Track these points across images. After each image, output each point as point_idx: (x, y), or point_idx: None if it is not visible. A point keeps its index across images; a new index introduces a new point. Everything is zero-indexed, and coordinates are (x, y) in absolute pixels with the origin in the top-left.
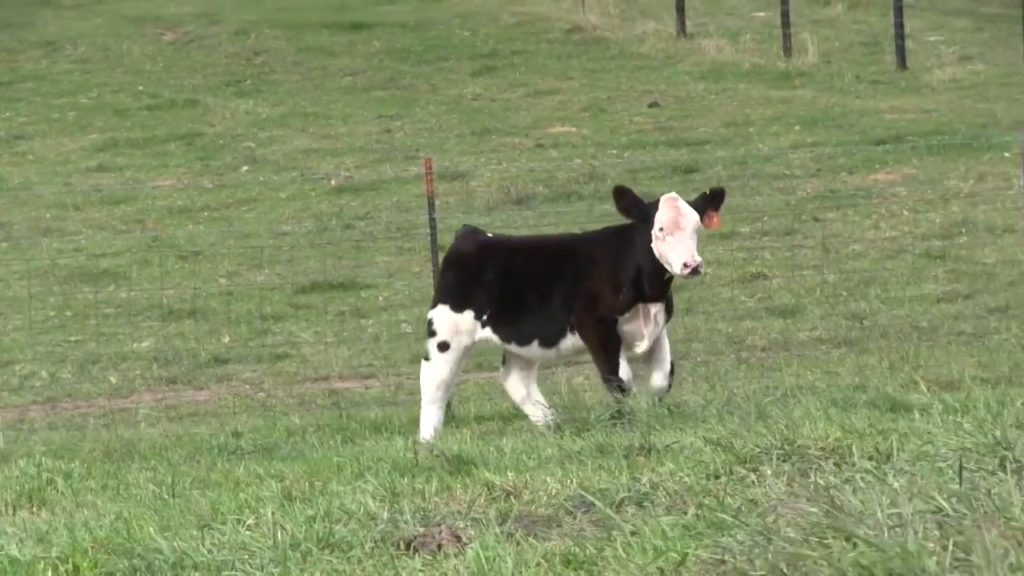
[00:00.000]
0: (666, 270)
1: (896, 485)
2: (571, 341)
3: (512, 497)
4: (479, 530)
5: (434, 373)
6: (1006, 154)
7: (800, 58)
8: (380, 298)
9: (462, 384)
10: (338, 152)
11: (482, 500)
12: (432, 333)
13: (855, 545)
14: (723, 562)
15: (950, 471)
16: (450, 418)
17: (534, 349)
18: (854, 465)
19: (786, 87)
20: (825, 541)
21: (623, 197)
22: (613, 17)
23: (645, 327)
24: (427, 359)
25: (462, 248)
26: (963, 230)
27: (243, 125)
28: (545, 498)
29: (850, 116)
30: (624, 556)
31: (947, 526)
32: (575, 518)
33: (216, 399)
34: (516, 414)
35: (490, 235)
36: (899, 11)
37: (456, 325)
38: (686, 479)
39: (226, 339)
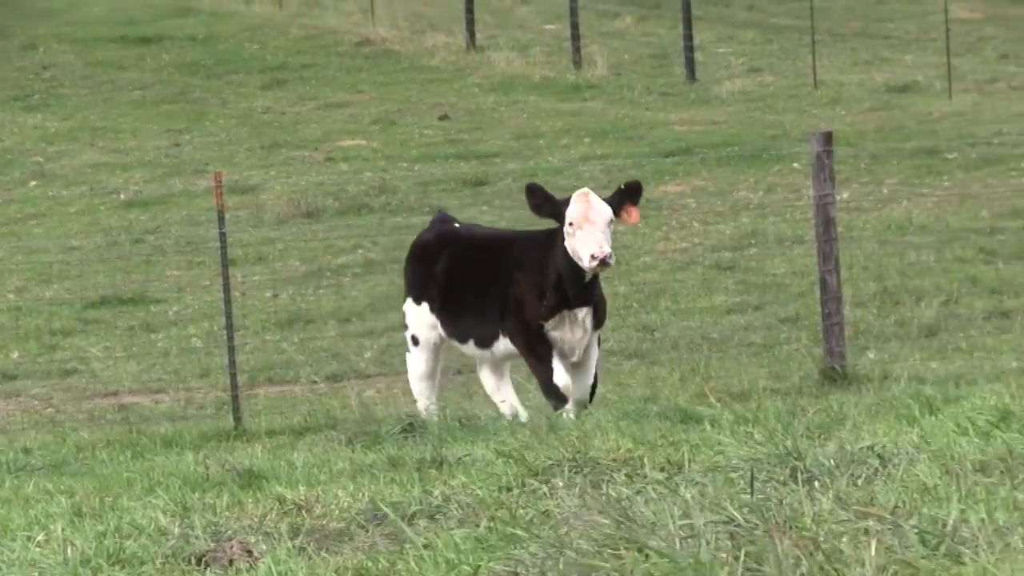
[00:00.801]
0: (583, 271)
1: (688, 496)
2: (504, 344)
3: (304, 511)
4: (271, 544)
5: (412, 366)
6: (795, 165)
7: (590, 71)
8: (170, 312)
9: (252, 398)
10: (127, 166)
11: (273, 514)
12: (405, 327)
13: (647, 556)
14: (516, 574)
15: (741, 482)
16: (241, 432)
17: (471, 348)
18: (646, 476)
19: (576, 99)
20: (617, 552)
21: (534, 195)
22: (402, 30)
23: (573, 334)
24: (408, 352)
25: (423, 238)
26: (753, 241)
27: (31, 140)
28: (337, 512)
29: (640, 128)
30: (417, 569)
31: (739, 536)
32: (367, 532)
33: (5, 415)
34: (308, 426)
35: (457, 224)
36: (688, 23)
37: (420, 318)
38: (478, 492)
39: (15, 355)
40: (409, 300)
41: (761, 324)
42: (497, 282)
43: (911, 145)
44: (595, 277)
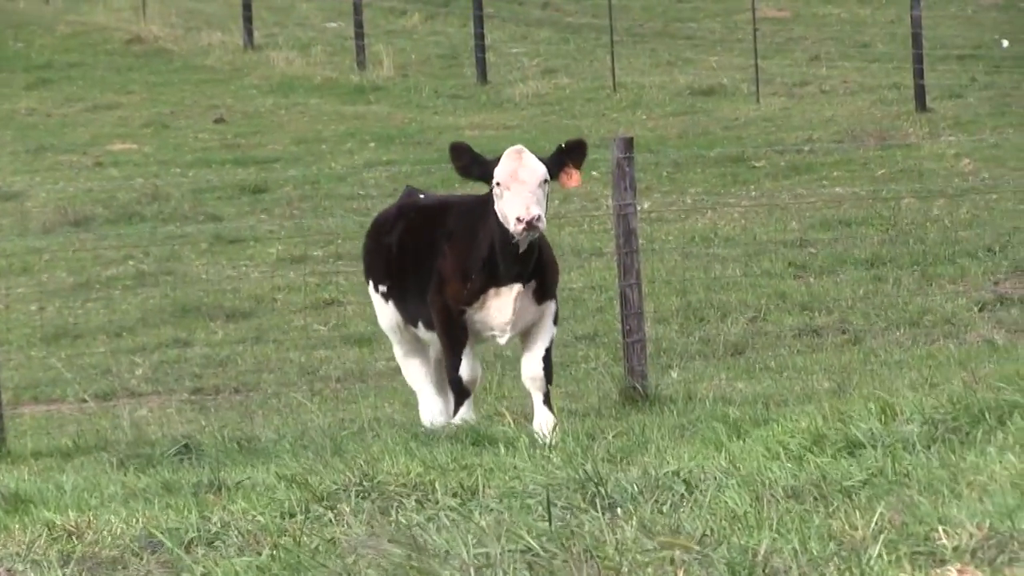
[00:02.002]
0: (512, 238)
1: (483, 523)
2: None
3: (74, 537)
4: (40, 572)
5: (398, 359)
6: (594, 173)
7: (375, 71)
8: None
9: (17, 417)
10: None
11: (42, 541)
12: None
13: None
14: None
15: (539, 508)
16: (5, 454)
17: (422, 331)
18: (437, 502)
19: (360, 102)
20: None
21: (460, 155)
22: (176, 27)
23: (501, 314)
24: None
25: (384, 213)
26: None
27: None
28: (110, 539)
29: (428, 133)
30: None
31: (537, 566)
32: (142, 559)
33: None
34: (77, 448)
35: (421, 195)
36: (479, 21)
37: (379, 303)
38: (259, 518)
39: None
40: (370, 284)
41: (558, 341)
42: (432, 255)
43: (716, 152)
44: (531, 248)
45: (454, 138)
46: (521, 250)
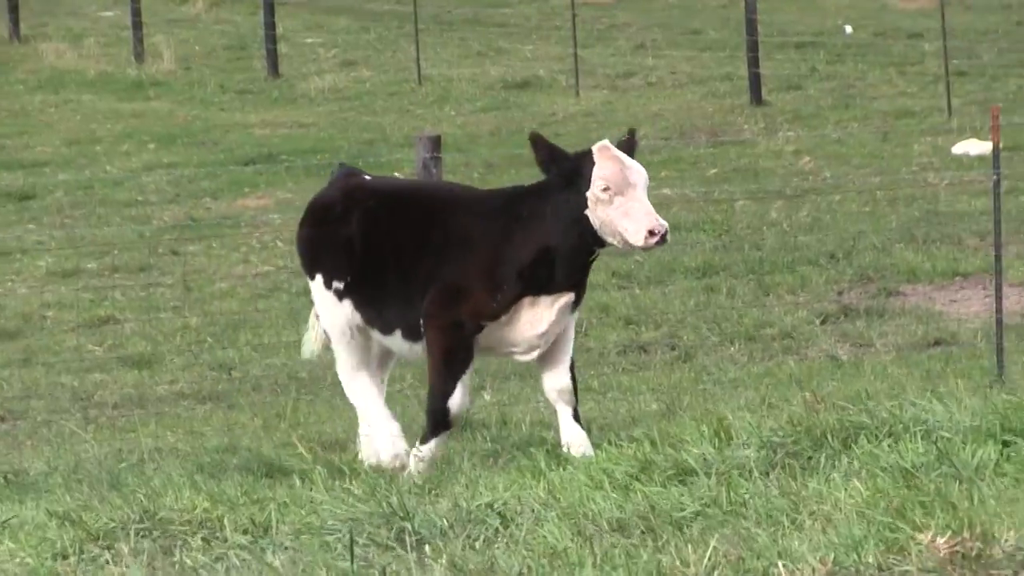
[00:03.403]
0: (593, 248)
1: (276, 563)
2: None
3: None
4: None
5: (338, 364)
6: (397, 174)
7: (155, 65)
8: None
9: None
10: None
11: None
12: (317, 316)
13: None
14: None
15: (339, 546)
16: None
17: (399, 341)
18: (226, 540)
19: (139, 98)
20: None
21: (540, 148)
22: None
23: (531, 327)
24: (333, 347)
25: (324, 197)
26: None
27: None
28: None
29: (214, 132)
30: None
31: None
32: None
33: None
34: None
35: (367, 177)
36: (270, 9)
37: (329, 301)
38: (28, 560)
39: None
40: (317, 280)
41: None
42: (426, 254)
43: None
44: (595, 257)
45: (243, 138)
46: (592, 258)
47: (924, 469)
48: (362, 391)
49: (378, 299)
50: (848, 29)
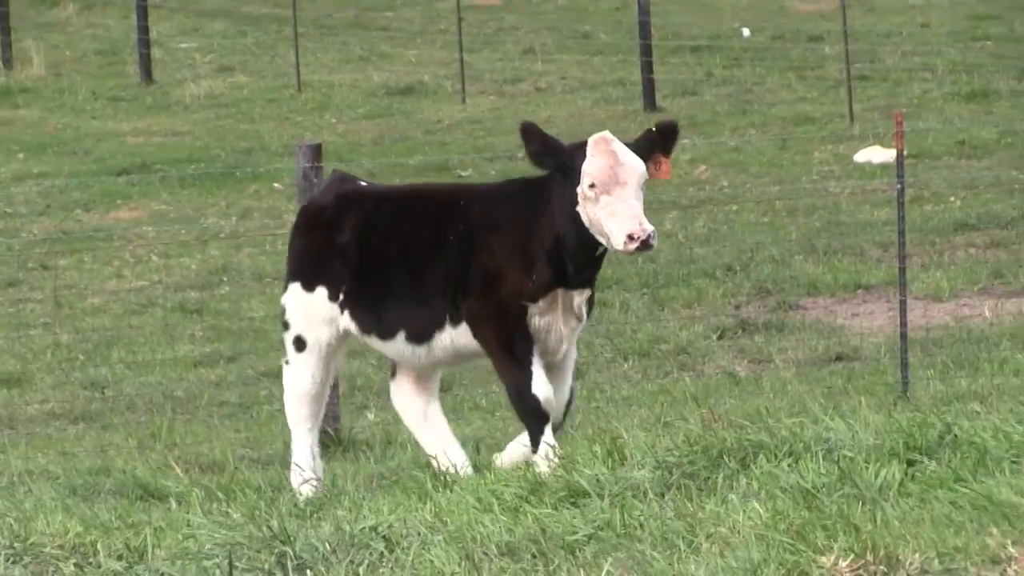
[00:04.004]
0: (597, 243)
1: None
2: (450, 337)
3: None
4: None
5: (293, 381)
6: (276, 185)
7: (23, 71)
8: None
9: None
10: None
11: None
12: (285, 326)
13: None
14: None
15: (217, 571)
16: None
17: (400, 345)
18: (100, 566)
19: (6, 106)
20: None
21: (532, 138)
22: None
23: (564, 324)
24: (286, 362)
25: (316, 202)
26: (225, 278)
27: None
28: None
29: (85, 140)
30: None
31: None
32: None
33: None
34: None
35: (363, 183)
36: (143, 12)
37: (312, 310)
38: None
39: None
40: (294, 287)
41: (236, 379)
42: (446, 250)
43: (417, 160)
44: (604, 251)
45: (116, 147)
46: (597, 253)
47: (826, 490)
48: (303, 420)
49: (378, 304)
50: (745, 32)
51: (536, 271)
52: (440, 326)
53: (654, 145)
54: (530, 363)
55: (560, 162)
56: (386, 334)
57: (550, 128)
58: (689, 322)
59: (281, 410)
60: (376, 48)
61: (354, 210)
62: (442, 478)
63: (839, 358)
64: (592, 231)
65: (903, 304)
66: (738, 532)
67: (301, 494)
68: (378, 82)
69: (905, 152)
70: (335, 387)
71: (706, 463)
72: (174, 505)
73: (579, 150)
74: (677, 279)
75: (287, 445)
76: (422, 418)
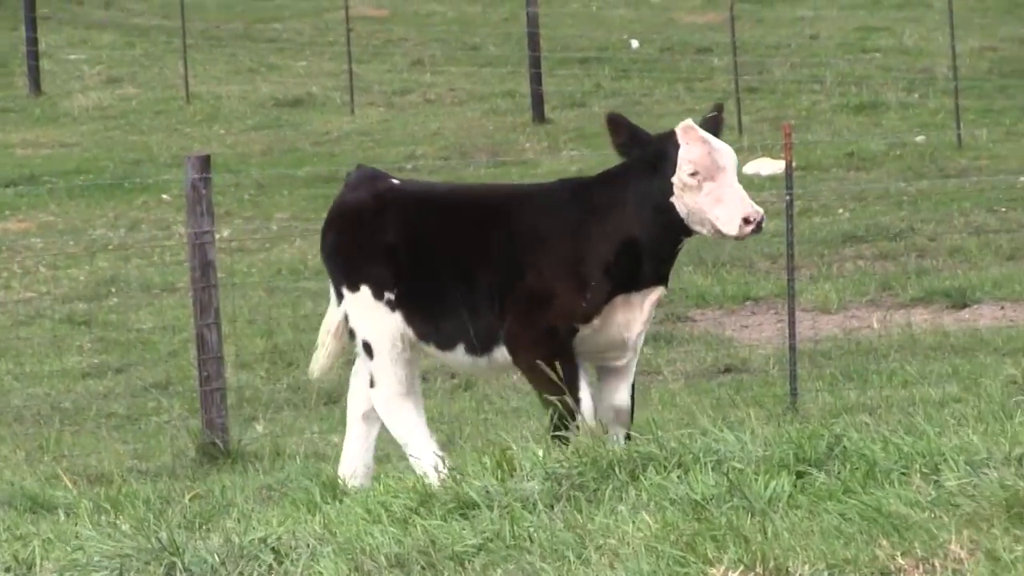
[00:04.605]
0: (684, 236)
1: None
2: (505, 352)
3: None
4: None
5: (382, 395)
6: (165, 196)
7: None
8: None
9: None
10: None
11: None
12: (352, 335)
13: None
14: None
15: None
16: None
17: (460, 357)
18: None
19: None
20: None
21: (619, 130)
22: None
23: (630, 329)
24: (372, 386)
25: (352, 199)
26: (113, 290)
27: None
28: None
29: None
30: None
31: None
32: None
33: None
34: None
35: (395, 180)
36: (31, 24)
37: (364, 310)
38: None
39: None
40: (346, 291)
41: (124, 391)
42: (491, 260)
43: (306, 171)
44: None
45: (3, 159)
46: (679, 247)
47: (715, 501)
48: (406, 422)
49: (434, 313)
50: (634, 44)
51: (591, 290)
52: (496, 340)
53: (717, 130)
54: (579, 388)
55: (650, 153)
56: (445, 345)
57: (439, 139)
58: None
59: (171, 422)
60: (265, 59)
61: (397, 209)
62: (331, 490)
63: (728, 370)
64: (689, 221)
65: (792, 316)
66: (628, 544)
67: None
68: (267, 93)
69: (794, 164)
70: (223, 398)
71: (595, 475)
72: (63, 517)
73: (669, 139)
74: None
75: (175, 457)
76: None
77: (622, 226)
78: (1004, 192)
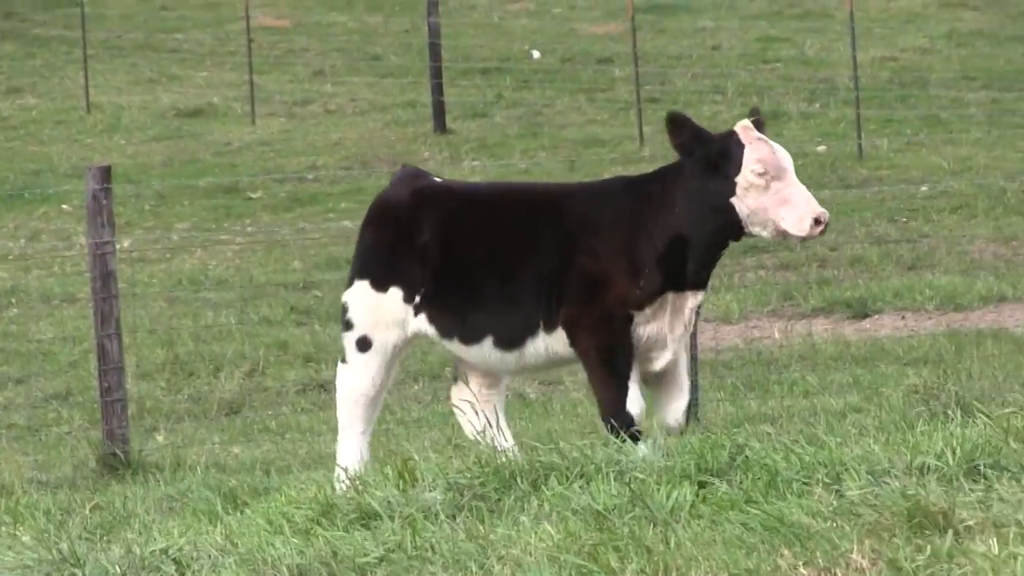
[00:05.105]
0: (732, 238)
1: None
2: (543, 344)
3: None
4: None
5: (351, 382)
6: (65, 207)
7: None
8: None
9: None
10: None
11: None
12: (347, 325)
13: None
14: None
15: None
16: None
17: (486, 351)
18: None
19: None
20: None
21: (680, 129)
22: None
23: (671, 331)
24: (343, 361)
25: (390, 197)
26: (13, 300)
27: None
28: None
29: None
30: None
31: None
32: None
33: None
34: None
35: (437, 179)
36: None
37: (381, 310)
38: None
39: None
40: (362, 285)
41: (24, 401)
42: (540, 252)
43: (206, 181)
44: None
45: None
46: (722, 251)
47: (617, 511)
48: (354, 423)
49: (463, 307)
50: (536, 54)
51: (644, 277)
52: (533, 332)
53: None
54: (627, 379)
55: (713, 152)
56: (471, 339)
57: (341, 150)
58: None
59: (71, 433)
60: (166, 70)
61: (434, 208)
62: (232, 500)
63: None
64: (749, 222)
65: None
66: (530, 554)
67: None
68: (168, 104)
69: None
70: (124, 409)
71: (497, 485)
72: None
73: (731, 139)
74: None
75: (76, 467)
76: (484, 427)
77: (673, 223)
78: (905, 202)
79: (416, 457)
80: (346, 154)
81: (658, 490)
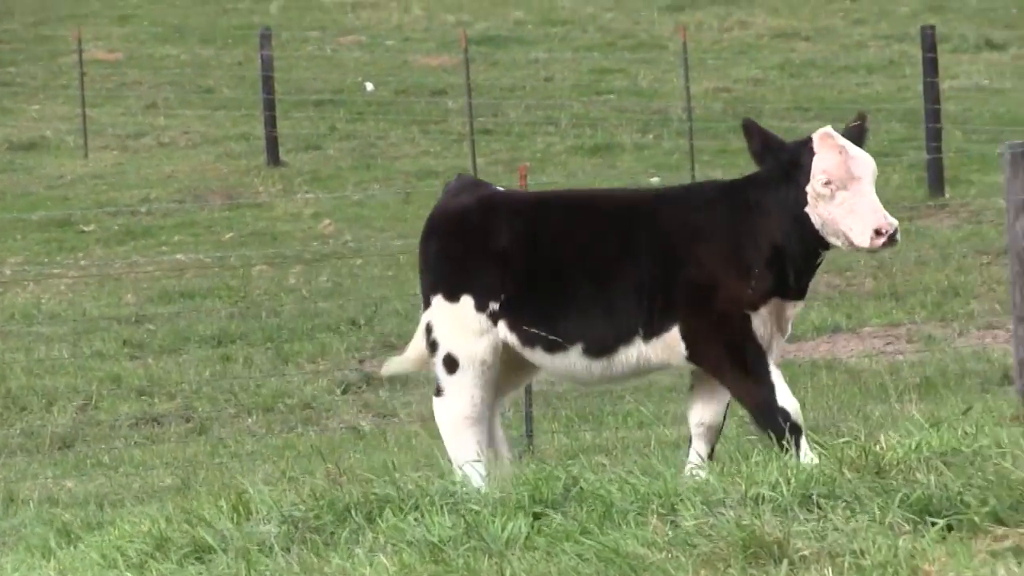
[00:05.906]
0: (822, 247)
1: None
2: (636, 352)
3: None
4: None
5: (449, 409)
6: None
7: None
8: None
9: None
10: None
11: None
12: (433, 346)
13: None
14: None
15: None
16: None
17: (573, 359)
18: None
19: None
20: None
21: (753, 136)
22: None
23: (775, 339)
24: (437, 394)
25: (456, 205)
26: None
27: None
28: None
29: None
30: None
31: None
32: None
33: None
34: None
35: (499, 187)
36: None
37: (462, 322)
38: None
39: None
40: (438, 300)
41: None
42: (637, 258)
43: (39, 215)
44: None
45: None
46: (820, 260)
47: (452, 543)
48: (466, 449)
49: (551, 314)
50: (369, 86)
51: (755, 277)
52: (628, 340)
53: (860, 139)
54: (768, 373)
55: (784, 161)
56: (557, 347)
57: (173, 183)
58: (313, 376)
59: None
60: None
61: (511, 213)
62: (66, 535)
63: None
64: (824, 232)
65: None
66: None
67: None
68: (1, 137)
69: None
70: None
71: (332, 517)
72: None
73: (804, 147)
74: (301, 333)
75: None
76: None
77: (769, 230)
78: None
79: (250, 490)
80: (179, 187)
81: (493, 522)
